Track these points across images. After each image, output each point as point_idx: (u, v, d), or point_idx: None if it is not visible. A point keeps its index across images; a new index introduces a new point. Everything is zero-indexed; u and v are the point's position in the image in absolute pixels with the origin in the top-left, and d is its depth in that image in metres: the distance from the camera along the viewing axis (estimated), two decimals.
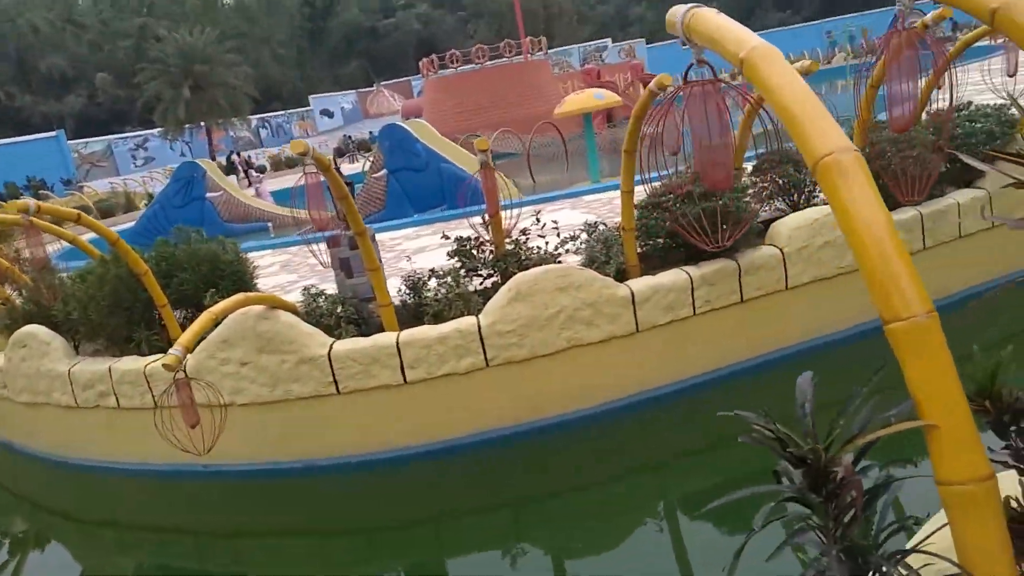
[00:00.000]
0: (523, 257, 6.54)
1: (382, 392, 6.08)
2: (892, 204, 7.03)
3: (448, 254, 6.83)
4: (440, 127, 31.51)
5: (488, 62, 33.62)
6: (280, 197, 24.83)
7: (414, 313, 6.57)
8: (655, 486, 5.81)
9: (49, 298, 7.57)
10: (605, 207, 11.10)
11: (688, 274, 6.32)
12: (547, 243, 6.76)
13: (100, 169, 47.51)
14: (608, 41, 60.57)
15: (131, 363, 6.66)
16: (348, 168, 36.00)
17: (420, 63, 35.97)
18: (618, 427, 6.21)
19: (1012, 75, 9.02)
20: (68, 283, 7.52)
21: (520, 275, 6.06)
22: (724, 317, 6.48)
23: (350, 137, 45.99)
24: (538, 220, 6.97)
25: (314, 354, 6.03)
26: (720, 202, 6.16)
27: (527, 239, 6.79)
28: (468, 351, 6.01)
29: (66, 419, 7.17)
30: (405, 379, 6.03)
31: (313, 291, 6.55)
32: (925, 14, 5.52)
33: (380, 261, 6.36)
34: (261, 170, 32.80)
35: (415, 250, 10.28)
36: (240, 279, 7.19)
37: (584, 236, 6.91)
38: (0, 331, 8.12)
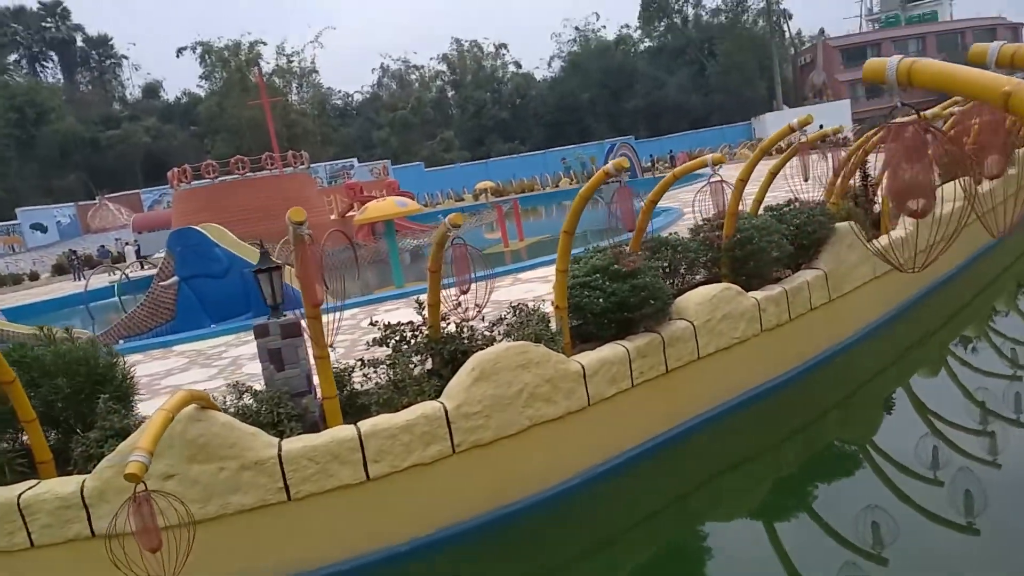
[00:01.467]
0: (466, 339, 6.39)
1: (341, 493, 5.43)
2: (760, 283, 8.11)
3: (376, 341, 6.45)
4: None
5: (250, 173, 32.52)
6: (24, 313, 21.39)
7: (345, 407, 6.04)
8: (629, 559, 5.81)
9: None
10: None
11: (625, 348, 6.63)
12: (473, 327, 6.67)
13: None
14: (355, 161, 61.89)
15: None
16: (73, 286, 31.92)
17: (168, 173, 33.72)
18: (578, 503, 6.15)
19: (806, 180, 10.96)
20: None
21: (481, 354, 5.91)
22: (653, 387, 6.85)
23: (74, 252, 40.91)
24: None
25: (260, 457, 5.24)
26: (640, 280, 6.66)
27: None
28: (435, 437, 5.64)
29: None
30: (368, 475, 5.46)
31: (239, 387, 5.76)
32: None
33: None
34: (15, 281, 28.07)
35: (251, 356, 9.48)
36: (122, 386, 6.09)
37: (511, 317, 6.95)
38: None
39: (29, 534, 5.12)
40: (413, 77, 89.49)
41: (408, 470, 5.58)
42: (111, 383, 5.99)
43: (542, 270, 12.49)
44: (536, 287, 11.21)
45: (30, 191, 56.43)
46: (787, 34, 79.10)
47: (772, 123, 64.83)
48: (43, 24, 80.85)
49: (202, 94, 75.77)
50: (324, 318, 5.99)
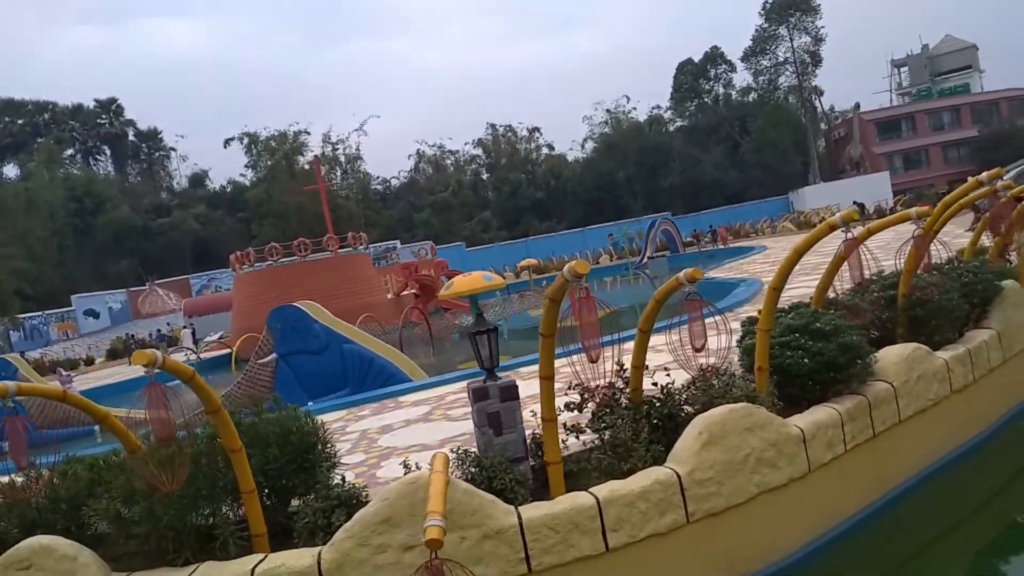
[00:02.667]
0: (674, 403, 6.14)
1: (580, 566, 5.11)
2: (936, 344, 7.79)
3: (572, 405, 6.22)
4: (255, 320, 29.85)
5: (313, 255, 33.04)
6: (96, 396, 21.30)
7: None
8: None
9: (34, 490, 5.58)
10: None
11: (837, 410, 6.33)
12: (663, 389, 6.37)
13: None
14: (397, 242, 62.94)
15: (220, 570, 4.97)
16: (132, 370, 32.09)
17: (231, 256, 34.38)
18: None
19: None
20: (73, 471, 5.61)
21: (705, 417, 5.65)
22: (863, 452, 6.50)
23: (132, 336, 41.49)
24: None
25: (502, 526, 4.97)
26: (846, 338, 6.42)
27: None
28: (670, 506, 5.33)
29: None
30: (607, 546, 5.15)
31: (459, 454, 5.54)
32: None
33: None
34: (72, 366, 28.35)
35: (379, 429, 9.30)
36: (328, 453, 5.91)
37: (699, 382, 6.68)
38: None
39: None
40: (448, 161, 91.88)
41: (644, 541, 5.25)
42: (315, 451, 5.81)
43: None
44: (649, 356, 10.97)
45: (85, 278, 57.91)
46: (819, 109, 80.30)
47: (811, 196, 65.20)
48: (98, 120, 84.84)
49: (247, 182, 78.33)
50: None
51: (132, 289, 56.73)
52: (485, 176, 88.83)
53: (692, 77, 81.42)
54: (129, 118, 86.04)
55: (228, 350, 30.88)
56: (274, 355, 15.17)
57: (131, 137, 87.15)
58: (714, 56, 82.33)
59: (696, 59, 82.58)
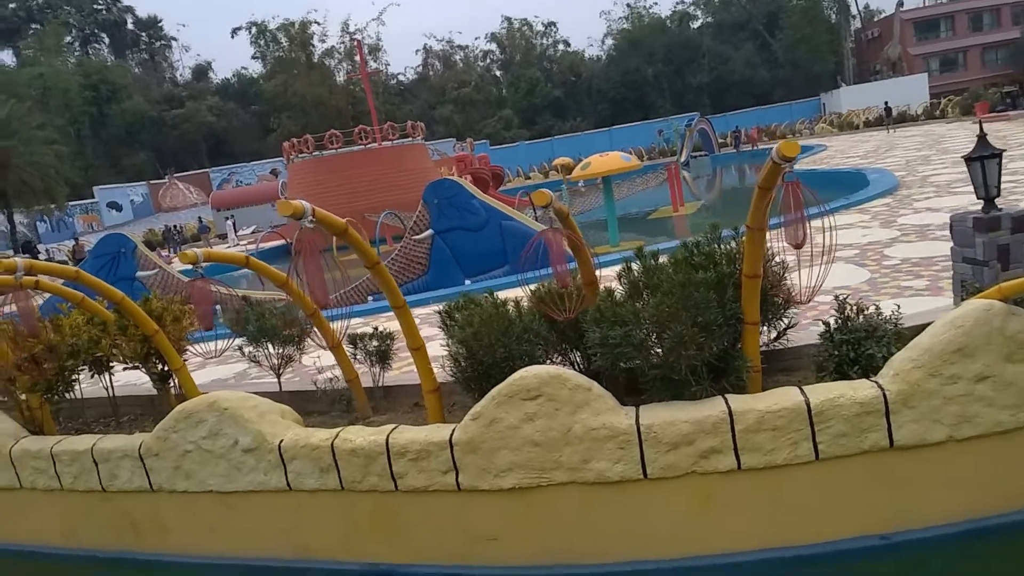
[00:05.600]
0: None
1: None
2: None
3: None
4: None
5: (374, 144, 31.82)
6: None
7: None
8: None
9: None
10: None
11: None
12: None
13: None
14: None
15: (774, 399, 4.50)
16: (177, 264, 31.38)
17: (283, 145, 33.08)
18: None
19: None
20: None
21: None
22: None
23: (175, 227, 40.48)
24: None
25: None
26: None
27: None
28: None
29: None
30: None
31: None
32: None
33: None
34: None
35: None
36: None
37: None
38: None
39: (816, 445, 4.42)
40: (457, 58, 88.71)
41: None
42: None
43: None
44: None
45: (102, 170, 56.05)
46: (854, 7, 77.48)
47: (846, 98, 63.57)
48: (95, 5, 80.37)
49: (253, 75, 75.31)
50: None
51: (152, 182, 55.05)
52: (498, 73, 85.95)
53: None
54: (127, 4, 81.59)
55: (282, 240, 30.12)
56: (430, 231, 14.50)
57: (130, 25, 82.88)
58: None
59: None
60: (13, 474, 6.51)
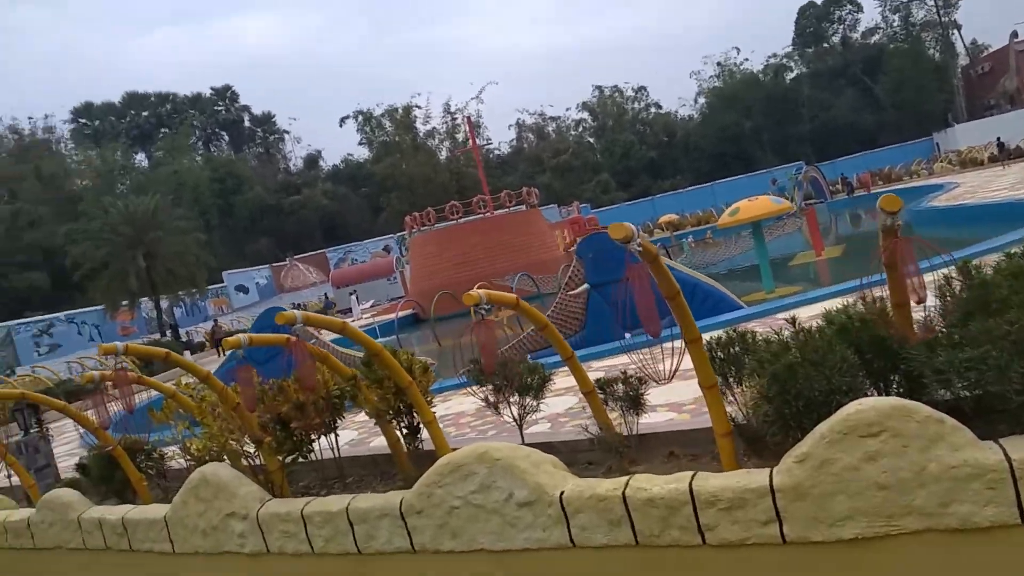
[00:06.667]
0: None
1: None
2: None
3: None
4: (436, 280, 29.42)
5: (491, 213, 32.41)
6: None
7: None
8: None
9: None
10: None
11: None
12: None
13: None
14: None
15: None
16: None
17: (406, 219, 34.12)
18: None
19: None
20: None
21: None
22: None
23: (299, 305, 42.15)
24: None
25: None
26: None
27: None
28: None
29: None
30: None
31: None
32: None
33: None
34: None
35: None
36: None
37: None
38: None
39: None
40: (550, 128, 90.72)
41: None
42: None
43: None
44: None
45: (228, 256, 59.51)
46: (959, 44, 74.89)
47: (963, 135, 60.86)
48: (215, 107, 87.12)
49: (360, 159, 79.19)
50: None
51: (274, 265, 57.89)
52: (591, 140, 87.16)
53: (815, 20, 77.24)
54: (244, 104, 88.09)
55: (402, 313, 30.80)
56: (586, 286, 14.25)
57: (247, 123, 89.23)
58: None
59: (818, 1, 78.26)
60: (260, 538, 6.42)
